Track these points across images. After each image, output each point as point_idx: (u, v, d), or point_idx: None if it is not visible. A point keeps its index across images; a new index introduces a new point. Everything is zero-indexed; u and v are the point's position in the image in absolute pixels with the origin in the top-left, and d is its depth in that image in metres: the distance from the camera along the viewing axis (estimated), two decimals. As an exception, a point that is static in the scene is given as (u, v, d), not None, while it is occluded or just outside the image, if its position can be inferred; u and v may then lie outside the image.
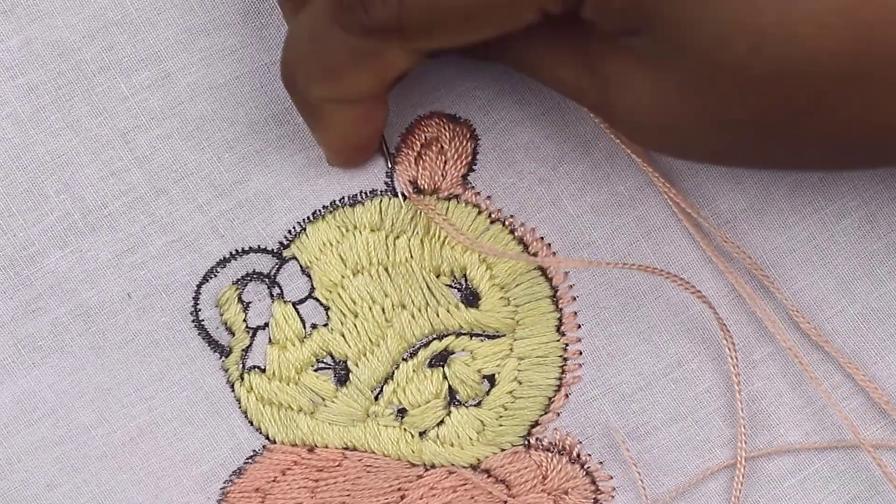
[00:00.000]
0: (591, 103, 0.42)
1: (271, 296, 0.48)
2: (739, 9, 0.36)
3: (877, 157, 0.40)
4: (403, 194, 0.48)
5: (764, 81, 0.37)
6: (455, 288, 0.48)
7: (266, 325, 0.48)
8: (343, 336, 0.48)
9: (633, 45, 0.39)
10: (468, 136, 0.48)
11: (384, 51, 0.41)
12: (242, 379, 0.48)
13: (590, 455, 0.48)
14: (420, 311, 0.48)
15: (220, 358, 0.48)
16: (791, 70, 0.36)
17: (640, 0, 0.37)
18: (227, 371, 0.48)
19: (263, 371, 0.48)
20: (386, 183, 0.48)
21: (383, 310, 0.48)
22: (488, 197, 0.48)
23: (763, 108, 0.38)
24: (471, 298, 0.48)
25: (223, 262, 0.48)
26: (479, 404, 0.48)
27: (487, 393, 0.48)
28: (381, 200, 0.48)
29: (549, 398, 0.48)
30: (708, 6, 0.36)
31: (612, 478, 0.48)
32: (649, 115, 0.40)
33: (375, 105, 0.44)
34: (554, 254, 0.48)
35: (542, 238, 0.48)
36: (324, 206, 0.48)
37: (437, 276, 0.48)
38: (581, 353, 0.49)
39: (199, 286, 0.48)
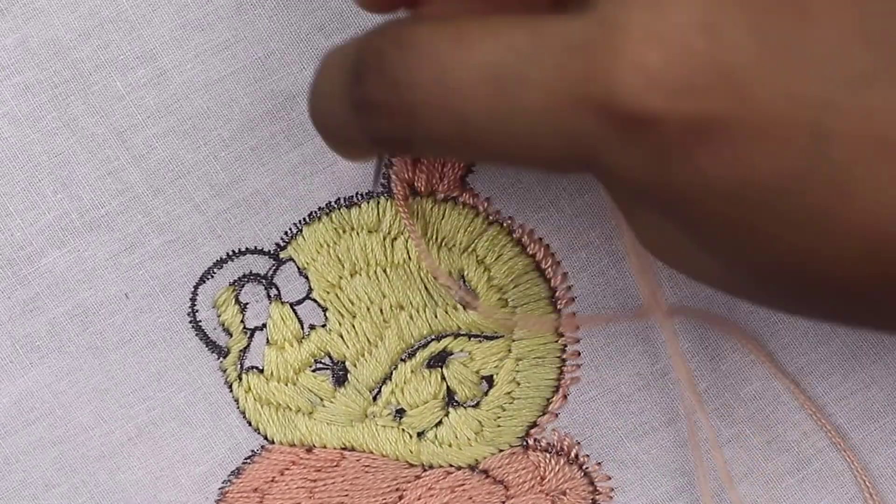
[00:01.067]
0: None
1: (269, 297, 0.47)
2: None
3: None
4: (383, 190, 0.47)
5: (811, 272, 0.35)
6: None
7: (264, 325, 0.48)
8: (341, 337, 0.48)
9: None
10: (467, 137, 0.48)
11: None
12: (240, 379, 0.48)
13: (588, 456, 0.48)
14: (418, 311, 0.48)
15: (218, 358, 0.48)
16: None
17: (675, 201, 0.35)
18: (224, 371, 0.48)
19: (261, 371, 0.48)
20: (383, 184, 0.48)
21: (381, 310, 0.48)
22: (487, 198, 0.48)
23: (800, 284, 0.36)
24: (469, 299, 0.48)
25: (220, 263, 0.47)
26: (477, 405, 0.48)
27: (485, 394, 0.48)
28: (378, 202, 0.48)
29: (548, 399, 0.48)
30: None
31: (610, 478, 0.48)
32: (665, 256, 0.39)
33: None
34: (552, 254, 0.48)
35: (540, 239, 0.48)
36: (320, 208, 0.48)
37: (436, 277, 0.48)
38: (579, 354, 0.48)
39: (196, 287, 0.47)
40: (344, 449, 0.48)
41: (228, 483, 0.48)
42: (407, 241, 0.47)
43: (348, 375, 0.48)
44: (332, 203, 0.48)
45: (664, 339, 0.48)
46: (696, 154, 0.33)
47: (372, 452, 0.48)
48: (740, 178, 0.33)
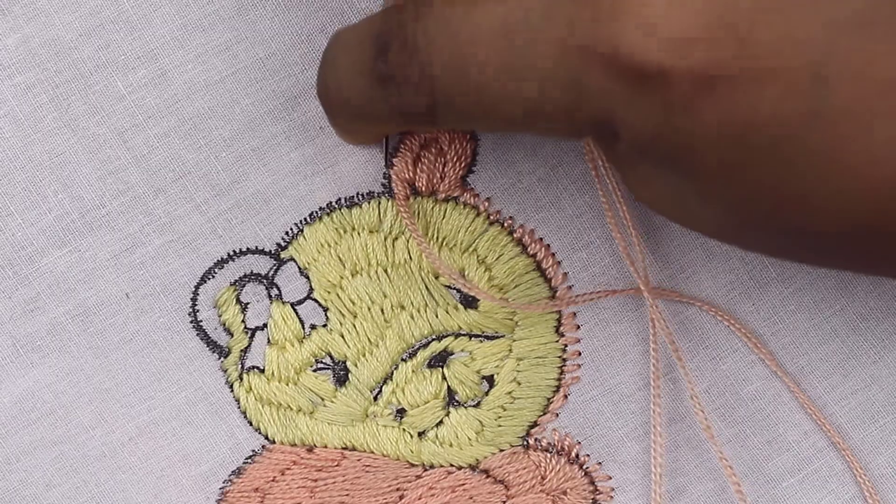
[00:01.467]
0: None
1: (269, 297, 0.47)
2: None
3: None
4: (384, 190, 0.48)
5: (807, 234, 0.35)
6: (454, 289, 0.48)
7: (265, 325, 0.48)
8: (342, 336, 0.48)
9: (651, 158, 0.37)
10: (468, 137, 0.48)
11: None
12: (241, 379, 0.48)
13: (588, 455, 0.48)
14: (419, 311, 0.48)
15: (219, 358, 0.48)
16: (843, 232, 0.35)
17: (679, 151, 0.35)
18: (225, 371, 0.48)
19: (262, 371, 0.48)
20: (383, 185, 0.48)
21: (382, 310, 0.48)
22: (487, 198, 0.48)
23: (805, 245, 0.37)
24: (470, 299, 0.48)
25: (221, 263, 0.47)
26: (477, 405, 0.48)
27: (486, 393, 0.48)
28: (379, 202, 0.48)
29: (548, 399, 0.48)
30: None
31: (610, 478, 0.48)
32: (662, 206, 0.39)
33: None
34: (553, 254, 0.48)
35: (541, 239, 0.48)
36: (321, 208, 0.48)
37: (436, 277, 0.48)
38: (580, 354, 0.49)
39: (196, 287, 0.47)
40: (345, 449, 0.48)
41: (229, 483, 0.48)
42: (408, 241, 0.48)
43: (349, 375, 0.48)
44: (333, 203, 0.48)
45: (658, 325, 0.48)
46: (701, 103, 0.34)
47: (373, 452, 0.48)
48: (743, 123, 0.34)
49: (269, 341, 0.48)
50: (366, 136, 0.46)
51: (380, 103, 0.40)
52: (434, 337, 0.48)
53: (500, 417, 0.48)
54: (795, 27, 0.33)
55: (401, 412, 0.48)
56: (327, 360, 0.48)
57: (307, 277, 0.48)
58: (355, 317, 0.48)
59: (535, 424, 0.48)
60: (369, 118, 0.41)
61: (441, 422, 0.48)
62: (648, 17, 0.34)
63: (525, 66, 0.36)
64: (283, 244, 0.48)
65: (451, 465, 0.48)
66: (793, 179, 0.34)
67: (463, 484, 0.48)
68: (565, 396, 0.48)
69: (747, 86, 0.33)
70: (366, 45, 0.39)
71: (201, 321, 0.47)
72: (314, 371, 0.48)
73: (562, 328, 0.48)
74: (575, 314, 0.48)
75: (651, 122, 0.35)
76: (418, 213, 0.48)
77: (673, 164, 0.36)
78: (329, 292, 0.48)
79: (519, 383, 0.48)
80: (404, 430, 0.48)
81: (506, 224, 0.48)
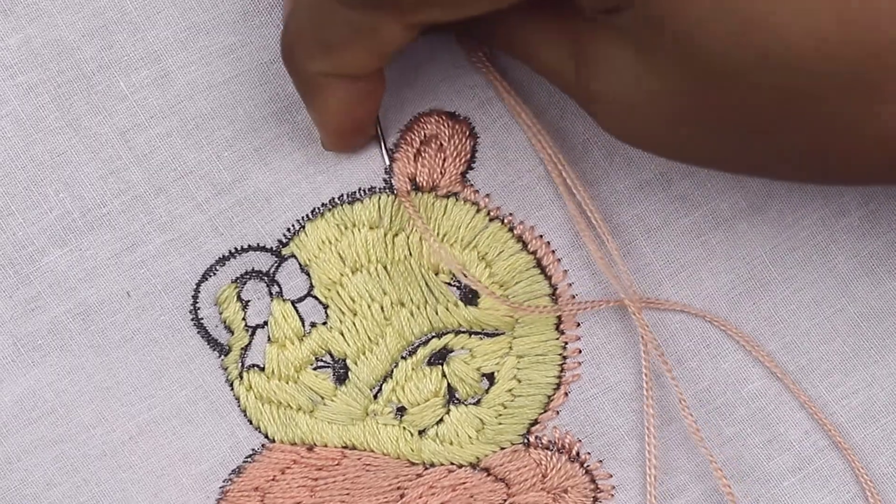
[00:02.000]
0: (572, 85, 0.42)
1: (270, 294, 0.48)
2: None
3: (859, 173, 0.39)
4: (385, 186, 0.48)
5: (744, 72, 0.36)
6: (454, 286, 0.48)
7: (265, 323, 0.48)
8: (342, 334, 0.48)
9: (617, 24, 0.38)
10: (467, 133, 0.48)
11: (380, 25, 0.41)
12: (241, 377, 0.48)
13: (589, 453, 0.48)
14: (419, 308, 0.48)
15: (220, 356, 0.48)
16: (773, 64, 0.35)
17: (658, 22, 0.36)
18: (226, 369, 0.48)
19: (262, 369, 0.48)
20: (384, 180, 0.48)
21: (382, 308, 0.48)
22: (487, 195, 0.48)
23: (741, 102, 0.37)
24: (470, 296, 0.48)
25: (222, 261, 0.48)
26: (478, 402, 0.48)
27: (487, 391, 0.48)
28: (379, 198, 0.48)
29: (549, 396, 0.48)
30: None
31: (611, 476, 0.48)
32: (626, 98, 0.39)
33: (372, 82, 0.44)
34: (553, 251, 0.48)
35: (541, 236, 0.48)
36: (322, 204, 0.48)
37: (436, 274, 0.48)
38: (580, 352, 0.48)
39: (198, 284, 0.47)
40: (345, 447, 0.48)
41: (229, 482, 0.48)
42: (408, 238, 0.48)
43: (349, 373, 0.48)
44: (335, 199, 0.48)
45: (646, 337, 0.48)
46: None
47: (373, 451, 0.48)
48: None
49: (269, 339, 0.48)
50: (353, 135, 0.46)
51: (341, 21, 0.40)
52: (434, 334, 0.48)
53: (500, 415, 0.48)
54: None
55: (401, 410, 0.48)
56: (327, 358, 0.48)
57: (308, 274, 0.48)
58: (355, 314, 0.48)
59: (535, 422, 0.48)
60: (333, 46, 0.41)
61: (441, 420, 0.48)
62: None
63: None
64: (284, 241, 0.48)
65: (452, 464, 0.48)
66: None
67: (463, 482, 0.48)
68: (566, 394, 0.48)
69: None
70: None
71: (202, 319, 0.47)
72: (314, 369, 0.48)
73: (562, 326, 0.48)
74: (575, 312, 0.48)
75: None
76: (419, 210, 0.48)
77: (628, 14, 0.37)
78: (329, 289, 0.48)
79: (519, 381, 0.48)
80: (404, 428, 0.48)
81: (506, 221, 0.48)
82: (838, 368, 0.49)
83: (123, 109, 0.47)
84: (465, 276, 0.47)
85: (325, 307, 0.48)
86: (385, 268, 0.48)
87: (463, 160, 0.48)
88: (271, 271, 0.48)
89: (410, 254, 0.48)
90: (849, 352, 0.49)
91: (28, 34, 0.47)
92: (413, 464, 0.48)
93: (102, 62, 0.47)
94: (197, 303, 0.47)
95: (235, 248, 0.48)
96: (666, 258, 0.49)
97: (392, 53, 0.42)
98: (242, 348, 0.48)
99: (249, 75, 0.48)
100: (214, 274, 0.47)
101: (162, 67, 0.47)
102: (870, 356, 0.49)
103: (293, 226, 0.48)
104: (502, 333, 0.48)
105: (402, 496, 0.48)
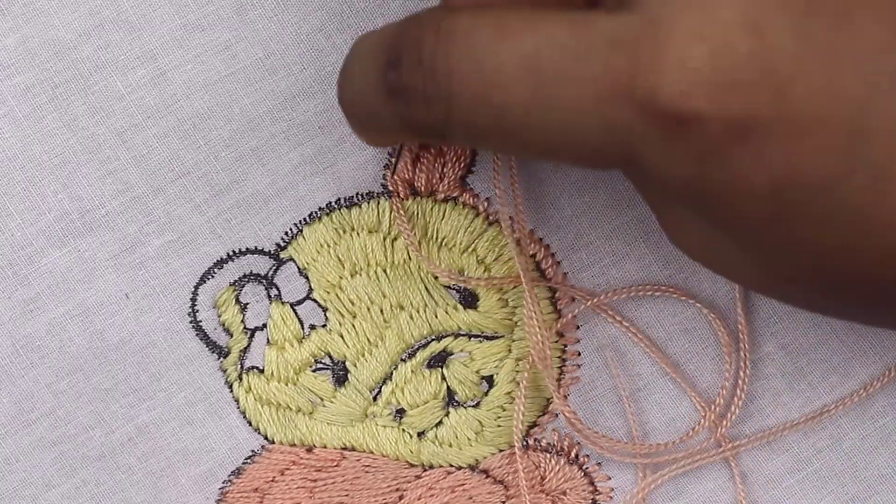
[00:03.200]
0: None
1: (269, 297, 0.47)
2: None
3: None
4: (384, 190, 0.47)
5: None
6: (453, 289, 0.48)
7: (264, 325, 0.48)
8: (341, 337, 0.48)
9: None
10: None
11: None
12: (241, 379, 0.48)
13: (588, 456, 0.48)
14: (418, 312, 0.48)
15: (219, 359, 0.48)
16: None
17: (711, 199, 0.35)
18: (225, 372, 0.48)
19: (262, 372, 0.48)
20: (383, 185, 0.48)
21: (382, 311, 0.48)
22: (487, 199, 0.48)
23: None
24: (469, 299, 0.48)
25: (221, 263, 0.47)
26: (477, 405, 0.48)
27: (486, 394, 0.48)
28: (378, 202, 0.48)
29: (548, 399, 0.48)
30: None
31: (610, 478, 0.48)
32: (697, 253, 0.39)
33: None
34: (552, 255, 0.48)
35: (540, 239, 0.48)
36: (320, 208, 0.48)
37: (436, 278, 0.48)
38: (579, 354, 0.48)
39: (196, 287, 0.47)
40: (344, 449, 0.48)
41: (229, 483, 0.48)
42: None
43: (348, 375, 0.48)
44: (333, 203, 0.48)
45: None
46: (737, 153, 0.33)
47: (372, 452, 0.48)
48: (780, 177, 0.33)
49: (268, 341, 0.48)
50: (384, 141, 0.46)
51: (388, 114, 0.39)
52: (433, 337, 0.48)
53: (499, 418, 0.48)
54: (836, 81, 0.33)
55: (400, 412, 0.48)
56: (326, 360, 0.48)
57: (306, 278, 0.48)
58: (354, 317, 0.48)
59: (534, 425, 0.48)
60: (379, 128, 0.40)
61: (440, 422, 0.48)
62: (690, 62, 0.33)
63: (552, 102, 0.35)
64: (282, 244, 0.48)
65: (451, 466, 0.48)
66: (830, 233, 0.34)
67: (462, 484, 0.48)
68: (565, 397, 0.48)
69: (786, 137, 0.33)
70: (378, 54, 0.39)
71: (201, 321, 0.47)
72: (313, 371, 0.48)
73: (561, 328, 0.48)
74: (574, 314, 0.48)
75: (684, 169, 0.34)
76: (417, 214, 0.48)
77: (706, 212, 0.36)
78: (328, 292, 0.48)
79: (518, 383, 0.48)
80: (404, 430, 0.48)
81: (504, 224, 0.48)
82: (837, 369, 0.49)
83: (121, 109, 0.47)
84: (452, 277, 0.46)
85: (325, 310, 0.48)
86: (384, 271, 0.48)
87: (462, 165, 0.48)
88: (269, 274, 0.47)
89: (409, 257, 0.48)
90: (848, 353, 0.49)
91: (25, 34, 0.47)
92: (412, 465, 0.48)
93: (99, 62, 0.47)
94: (195, 305, 0.47)
95: (233, 251, 0.47)
96: (666, 259, 0.49)
97: None
98: (241, 350, 0.48)
99: (245, 72, 0.48)
100: (213, 277, 0.47)
101: (158, 66, 0.47)
102: (869, 357, 0.49)
103: (291, 230, 0.48)
104: (501, 336, 0.48)
105: (401, 497, 0.48)
